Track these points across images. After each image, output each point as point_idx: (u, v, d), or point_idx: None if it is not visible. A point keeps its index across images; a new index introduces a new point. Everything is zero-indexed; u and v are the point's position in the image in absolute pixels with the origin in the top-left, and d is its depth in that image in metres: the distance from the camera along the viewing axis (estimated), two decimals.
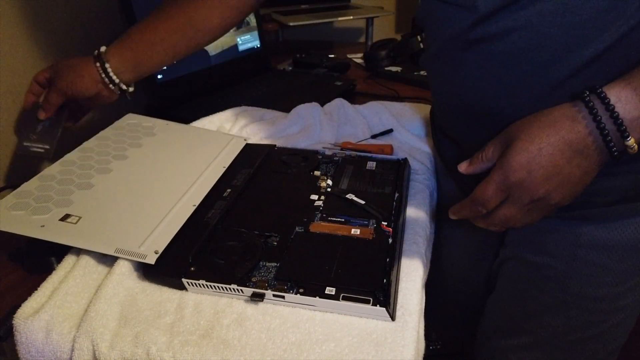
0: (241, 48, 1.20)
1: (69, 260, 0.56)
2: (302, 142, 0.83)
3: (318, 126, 0.87)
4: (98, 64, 0.70)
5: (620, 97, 0.42)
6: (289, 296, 0.49)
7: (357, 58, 1.43)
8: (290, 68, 1.33)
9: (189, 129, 0.80)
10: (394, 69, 1.27)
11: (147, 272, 0.53)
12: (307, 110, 0.90)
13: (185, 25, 0.71)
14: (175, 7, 0.72)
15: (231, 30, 1.17)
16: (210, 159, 0.70)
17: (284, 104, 0.95)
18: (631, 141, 0.42)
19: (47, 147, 0.73)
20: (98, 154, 0.67)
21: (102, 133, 0.73)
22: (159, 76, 0.99)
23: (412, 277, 0.54)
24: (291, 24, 1.40)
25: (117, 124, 0.76)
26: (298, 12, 1.54)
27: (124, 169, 0.64)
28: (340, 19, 1.55)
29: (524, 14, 0.46)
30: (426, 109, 0.89)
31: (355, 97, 1.12)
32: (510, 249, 0.68)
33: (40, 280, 0.53)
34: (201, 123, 0.85)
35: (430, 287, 0.60)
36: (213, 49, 1.11)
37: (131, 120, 0.78)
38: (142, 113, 1.11)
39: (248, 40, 1.22)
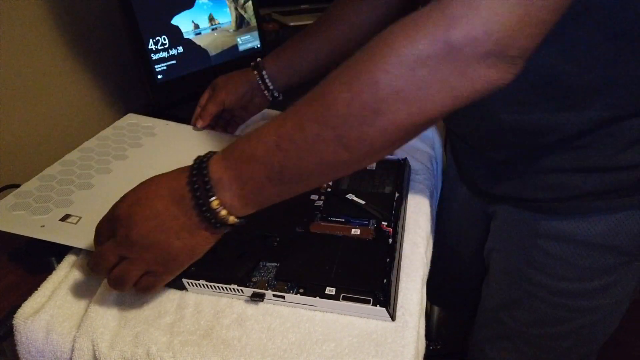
0: (241, 48, 1.20)
1: (69, 260, 0.56)
2: None
3: None
4: (255, 72, 0.75)
5: (214, 161, 0.44)
6: (289, 296, 0.49)
7: None
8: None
9: (189, 130, 0.80)
10: None
11: None
12: None
13: (334, 32, 0.75)
14: (325, 18, 0.77)
15: (231, 31, 1.17)
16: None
17: (284, 104, 0.95)
18: (215, 202, 0.42)
19: None
20: (98, 154, 0.67)
21: (102, 133, 0.73)
22: (159, 76, 0.99)
23: (412, 277, 0.54)
24: (291, 24, 1.40)
25: (117, 124, 0.76)
26: (298, 12, 1.54)
27: (124, 169, 0.64)
28: None
29: None
30: None
31: None
32: (491, 241, 0.70)
33: (40, 280, 0.53)
34: None
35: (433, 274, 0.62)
36: (213, 49, 1.11)
37: (131, 120, 0.78)
38: (142, 113, 1.11)
39: (248, 41, 1.22)
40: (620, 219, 0.56)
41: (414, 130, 0.39)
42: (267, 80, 0.75)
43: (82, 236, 0.54)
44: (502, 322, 0.70)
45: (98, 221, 0.47)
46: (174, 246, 0.44)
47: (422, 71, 0.35)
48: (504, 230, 0.67)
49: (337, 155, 0.40)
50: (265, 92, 0.76)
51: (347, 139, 0.39)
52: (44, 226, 0.53)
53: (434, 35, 0.35)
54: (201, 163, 0.44)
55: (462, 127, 0.63)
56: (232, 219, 0.44)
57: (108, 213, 0.47)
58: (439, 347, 1.17)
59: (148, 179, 0.47)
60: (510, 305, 0.68)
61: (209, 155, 0.45)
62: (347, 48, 0.75)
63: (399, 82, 0.36)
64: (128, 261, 0.45)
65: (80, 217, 0.54)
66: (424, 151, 0.80)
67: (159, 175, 0.47)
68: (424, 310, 0.56)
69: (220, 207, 0.43)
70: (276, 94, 0.77)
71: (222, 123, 0.81)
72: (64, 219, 0.54)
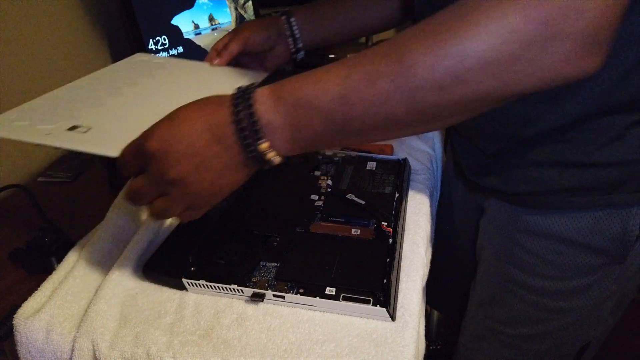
0: None
1: (69, 260, 0.56)
2: None
3: None
4: (284, 17, 0.73)
5: (262, 96, 0.42)
6: (289, 296, 0.49)
7: None
8: (290, 68, 1.32)
9: (203, 65, 0.74)
10: None
11: (147, 272, 0.53)
12: None
13: (368, 3, 0.74)
14: None
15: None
16: (229, 83, 0.66)
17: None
18: (264, 145, 0.41)
19: None
20: (108, 80, 0.63)
21: (112, 66, 0.68)
22: None
23: (412, 277, 0.54)
24: None
25: (127, 59, 0.71)
26: None
27: (135, 93, 0.60)
28: None
29: None
30: None
31: None
32: (480, 238, 0.70)
33: (40, 280, 0.53)
34: None
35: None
36: None
37: (142, 57, 0.73)
38: None
39: None
40: (600, 217, 0.55)
41: (487, 104, 0.38)
42: (294, 28, 0.73)
43: (92, 142, 0.48)
44: (480, 321, 0.69)
45: (109, 131, 0.45)
46: (216, 184, 0.43)
47: (513, 45, 0.35)
48: (491, 225, 0.67)
49: (408, 116, 0.39)
50: (290, 40, 0.73)
51: (422, 103, 0.38)
52: (50, 134, 0.48)
53: (527, 10, 0.34)
54: (244, 100, 0.41)
55: None
56: (278, 159, 0.42)
57: (135, 144, 0.43)
58: (439, 347, 1.18)
59: (178, 110, 0.43)
60: (489, 303, 0.68)
61: (250, 90, 0.42)
62: (378, 25, 0.76)
63: (489, 53, 0.35)
64: (168, 198, 0.43)
65: (90, 128, 0.49)
66: (424, 151, 0.80)
67: (191, 106, 0.43)
68: (424, 311, 0.56)
69: (269, 150, 0.41)
70: (300, 46, 0.74)
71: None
72: (72, 129, 0.49)
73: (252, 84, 0.43)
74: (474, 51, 0.35)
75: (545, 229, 0.58)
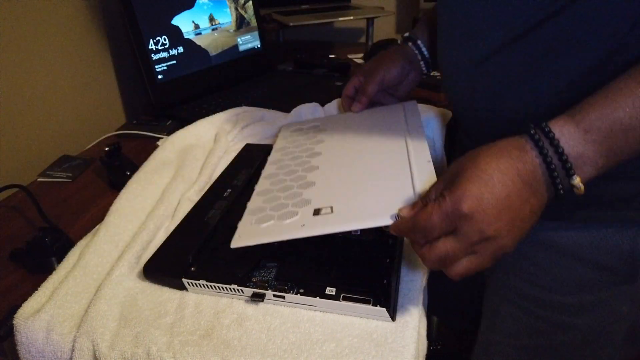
0: (242, 48, 1.20)
1: (69, 260, 0.56)
2: None
3: None
4: (410, 44, 0.73)
5: (563, 131, 0.41)
6: (289, 296, 0.49)
7: (358, 58, 1.43)
8: (290, 68, 1.33)
9: (351, 115, 0.76)
10: None
11: (147, 272, 0.53)
12: (307, 111, 0.90)
13: None
14: None
15: (231, 31, 1.17)
16: (401, 125, 0.68)
17: (285, 104, 0.95)
18: (577, 180, 0.40)
19: None
20: (291, 159, 0.64)
21: (276, 145, 0.72)
22: (160, 76, 0.99)
23: (412, 277, 0.54)
24: (292, 24, 1.40)
25: (280, 134, 0.76)
26: (298, 13, 1.54)
27: (328, 161, 0.61)
28: (340, 19, 1.55)
29: None
30: (425, 109, 0.89)
31: None
32: None
33: (40, 280, 0.53)
34: (201, 123, 0.85)
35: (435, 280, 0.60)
36: (213, 49, 1.11)
37: (292, 127, 0.78)
38: (142, 113, 1.11)
39: (248, 41, 1.22)
40: (608, 233, 0.53)
41: None
42: (423, 50, 0.73)
43: (352, 218, 0.48)
44: (483, 333, 0.68)
45: (351, 205, 0.46)
46: (525, 230, 0.42)
47: None
48: None
49: None
50: (422, 63, 0.74)
51: None
52: (304, 225, 0.48)
53: None
54: (547, 139, 0.40)
55: (467, 112, 0.61)
56: (583, 188, 0.41)
57: (446, 207, 0.40)
58: (439, 347, 1.17)
59: (478, 164, 0.41)
60: (492, 313, 0.66)
61: (546, 127, 0.41)
62: None
63: None
64: (478, 255, 0.41)
65: (331, 206, 0.49)
66: None
67: (491, 157, 0.41)
68: (425, 311, 0.56)
69: (581, 184, 0.40)
70: (430, 65, 0.75)
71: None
72: (317, 213, 0.49)
73: (542, 122, 0.42)
74: None
75: (549, 240, 0.57)
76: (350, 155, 0.62)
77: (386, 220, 0.45)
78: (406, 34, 0.75)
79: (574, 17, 0.45)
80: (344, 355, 0.44)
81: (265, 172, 0.64)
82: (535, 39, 0.47)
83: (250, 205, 0.57)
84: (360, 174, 0.52)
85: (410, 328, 0.47)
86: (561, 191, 0.41)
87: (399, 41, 0.77)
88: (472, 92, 0.55)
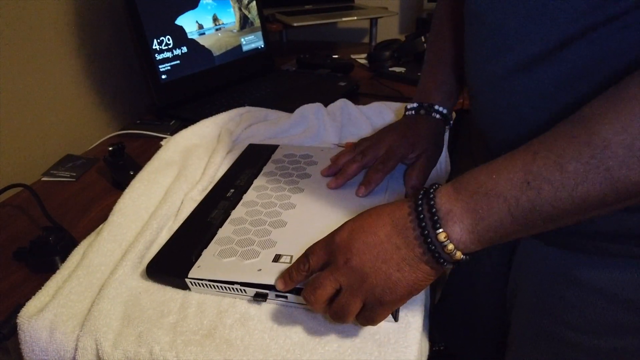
0: (245, 48, 1.20)
1: (73, 259, 0.57)
2: (306, 143, 0.83)
3: (322, 127, 0.87)
4: (434, 115, 0.71)
5: (443, 192, 0.42)
6: (292, 296, 0.49)
7: (361, 58, 1.43)
8: (294, 68, 1.33)
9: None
10: (397, 69, 1.27)
11: (150, 271, 0.53)
12: (310, 111, 0.90)
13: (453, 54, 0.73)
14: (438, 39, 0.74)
15: (235, 31, 1.17)
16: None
17: (288, 104, 0.95)
18: (442, 235, 0.40)
19: None
20: (273, 190, 0.65)
21: (265, 169, 0.72)
22: (163, 76, 0.99)
23: None
24: (295, 24, 1.40)
25: (274, 157, 0.75)
26: (302, 13, 1.54)
27: (306, 201, 0.62)
28: (344, 19, 1.55)
29: None
30: None
31: (358, 97, 1.12)
32: (512, 279, 0.64)
33: (44, 279, 0.54)
34: (205, 123, 0.85)
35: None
36: (217, 49, 1.12)
37: (286, 151, 0.77)
38: (145, 113, 1.11)
39: (252, 41, 1.22)
40: None
41: None
42: (444, 112, 0.71)
43: None
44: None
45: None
46: (392, 277, 0.42)
47: None
48: (526, 266, 0.61)
49: (603, 197, 0.36)
50: (447, 128, 0.73)
51: (622, 182, 0.35)
52: (260, 270, 0.50)
53: None
54: (427, 193, 0.42)
55: (491, 128, 0.58)
56: (458, 254, 0.41)
57: (325, 240, 0.46)
58: (442, 348, 1.17)
59: (369, 209, 0.46)
60: (517, 353, 0.62)
61: (435, 186, 0.43)
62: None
63: None
64: (347, 292, 0.43)
65: (291, 256, 0.52)
66: None
67: (380, 205, 0.46)
68: (428, 311, 0.56)
69: (447, 241, 0.40)
70: (451, 120, 0.74)
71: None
72: (276, 259, 0.52)
73: (435, 184, 0.43)
74: None
75: (577, 276, 0.52)
76: (329, 200, 0.62)
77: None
78: (416, 105, 0.72)
79: (609, 35, 0.42)
80: (346, 355, 0.44)
81: (246, 197, 0.64)
82: (567, 56, 0.45)
83: (221, 232, 0.57)
84: (333, 223, 0.52)
85: (412, 329, 0.47)
86: (431, 246, 0.41)
87: (408, 108, 0.73)
88: (496, 107, 0.54)
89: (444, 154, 0.82)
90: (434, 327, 0.91)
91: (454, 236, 0.40)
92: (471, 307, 0.78)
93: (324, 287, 0.44)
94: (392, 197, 0.63)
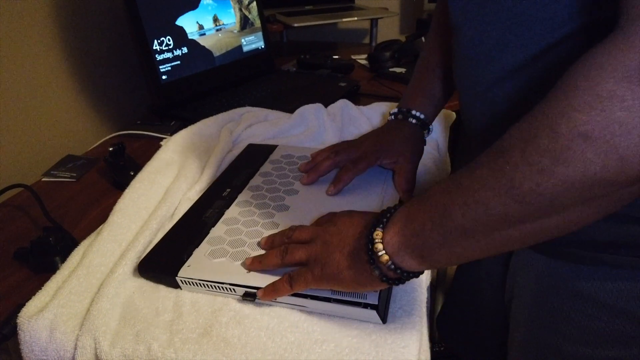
0: (245, 49, 1.20)
1: (73, 260, 0.57)
2: (306, 143, 0.84)
3: (322, 127, 0.88)
4: (411, 120, 0.72)
5: (399, 210, 0.45)
6: (280, 297, 0.49)
7: (361, 59, 1.43)
8: (294, 69, 1.33)
9: None
10: (398, 70, 1.27)
11: (141, 270, 0.53)
12: (311, 111, 0.90)
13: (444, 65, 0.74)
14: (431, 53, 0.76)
15: (235, 31, 1.17)
16: (382, 174, 0.69)
17: (288, 105, 0.95)
18: (376, 233, 0.43)
19: None
20: (268, 190, 0.66)
21: (262, 169, 0.72)
22: (164, 77, 1.00)
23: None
24: (295, 25, 1.40)
25: (271, 157, 0.75)
26: (302, 13, 1.54)
27: (300, 204, 0.62)
28: (344, 20, 1.55)
29: None
30: None
31: (359, 98, 1.12)
32: (508, 288, 0.64)
33: (44, 279, 0.54)
34: (205, 123, 0.85)
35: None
36: (217, 49, 1.12)
37: (284, 152, 0.77)
38: (145, 113, 1.12)
39: (252, 41, 1.22)
40: None
41: (612, 185, 0.32)
42: (421, 117, 0.72)
43: None
44: None
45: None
46: (336, 259, 0.46)
47: (619, 113, 0.30)
48: (520, 276, 0.61)
49: (506, 208, 0.35)
50: (425, 132, 0.74)
51: (519, 190, 0.34)
52: (249, 272, 0.51)
53: (627, 73, 0.30)
54: (388, 210, 0.46)
55: (479, 134, 0.58)
56: (384, 257, 0.42)
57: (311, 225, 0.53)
58: (442, 348, 1.17)
59: (349, 210, 0.52)
60: (515, 355, 0.62)
61: (398, 205, 0.46)
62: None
63: (587, 126, 0.31)
64: (303, 245, 0.49)
65: None
66: (428, 152, 0.80)
67: (363, 211, 0.51)
68: (427, 311, 0.56)
69: (379, 240, 0.43)
70: (431, 127, 0.75)
71: None
72: None
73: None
74: (566, 126, 0.32)
75: (573, 287, 0.52)
76: (323, 203, 0.62)
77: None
78: (396, 110, 0.74)
79: (590, 42, 0.43)
80: (343, 355, 0.45)
81: (241, 197, 0.65)
82: (546, 64, 0.45)
83: (213, 232, 0.57)
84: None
85: (410, 329, 0.47)
86: (369, 243, 0.43)
87: (392, 116, 0.74)
88: (483, 115, 0.54)
89: (444, 154, 0.82)
90: (437, 330, 0.91)
91: (386, 237, 0.43)
92: (475, 311, 0.78)
93: (292, 253, 0.48)
94: (387, 203, 0.63)
